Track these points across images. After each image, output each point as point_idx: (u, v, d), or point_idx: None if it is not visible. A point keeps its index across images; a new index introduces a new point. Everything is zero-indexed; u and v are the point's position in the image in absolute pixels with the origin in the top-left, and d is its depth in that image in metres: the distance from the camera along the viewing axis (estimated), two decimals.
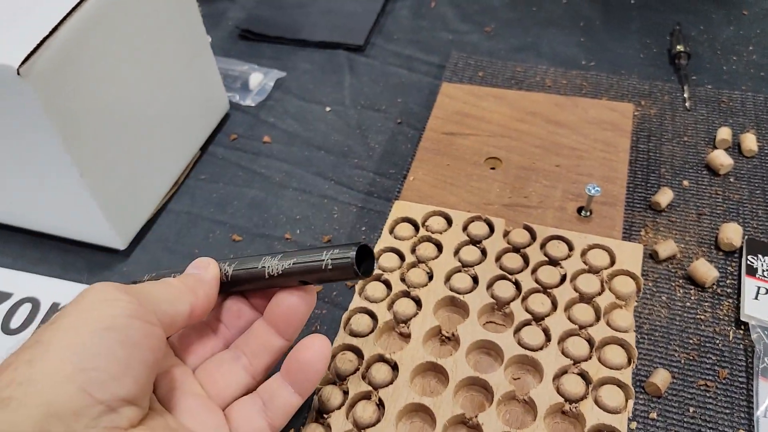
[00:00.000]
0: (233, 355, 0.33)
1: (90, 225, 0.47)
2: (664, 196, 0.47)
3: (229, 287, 0.34)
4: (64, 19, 0.38)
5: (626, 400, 0.35)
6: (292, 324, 0.32)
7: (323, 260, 0.30)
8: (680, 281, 0.43)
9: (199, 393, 0.31)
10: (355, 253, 0.29)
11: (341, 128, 0.58)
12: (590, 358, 0.37)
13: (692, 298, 0.42)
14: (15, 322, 0.45)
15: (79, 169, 0.42)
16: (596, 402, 0.35)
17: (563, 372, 0.36)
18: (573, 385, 0.35)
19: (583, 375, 0.36)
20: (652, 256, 0.44)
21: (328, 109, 0.60)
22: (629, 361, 0.36)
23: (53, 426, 0.23)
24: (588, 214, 0.45)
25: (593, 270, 0.41)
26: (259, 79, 0.61)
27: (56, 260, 0.49)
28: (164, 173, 0.52)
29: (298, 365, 0.31)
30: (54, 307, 0.46)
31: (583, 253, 0.42)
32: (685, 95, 0.56)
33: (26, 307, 0.46)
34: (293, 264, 0.31)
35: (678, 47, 0.60)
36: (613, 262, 0.41)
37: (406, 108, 0.59)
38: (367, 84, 0.62)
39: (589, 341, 0.37)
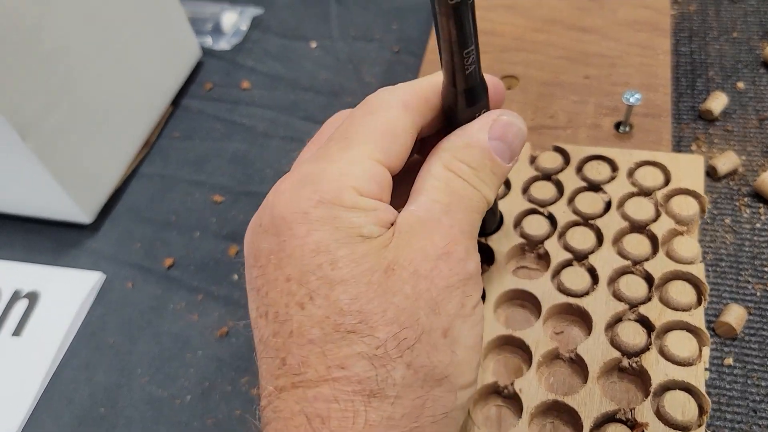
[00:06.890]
0: None
1: (49, 199, 0.42)
2: (717, 102, 0.41)
3: None
4: None
5: (700, 348, 0.29)
6: None
7: None
8: (745, 199, 0.38)
9: None
10: None
11: (330, 64, 0.53)
12: (650, 299, 0.31)
13: (762, 218, 0.37)
14: None
15: (19, 132, 0.37)
16: (662, 353, 0.29)
17: (617, 320, 0.30)
18: (631, 334, 0.29)
19: (643, 321, 0.30)
20: (708, 173, 0.39)
21: (313, 44, 0.55)
22: (699, 300, 0.30)
23: None
24: (627, 129, 0.39)
25: (644, 192, 0.34)
26: (233, 19, 0.57)
27: (19, 242, 0.45)
28: (131, 133, 0.47)
29: None
30: (17, 294, 0.40)
31: (630, 173, 0.35)
32: None
33: None
34: None
35: None
36: (668, 181, 0.34)
37: (404, 34, 0.54)
38: (356, 12, 0.57)
39: (647, 279, 0.31)
